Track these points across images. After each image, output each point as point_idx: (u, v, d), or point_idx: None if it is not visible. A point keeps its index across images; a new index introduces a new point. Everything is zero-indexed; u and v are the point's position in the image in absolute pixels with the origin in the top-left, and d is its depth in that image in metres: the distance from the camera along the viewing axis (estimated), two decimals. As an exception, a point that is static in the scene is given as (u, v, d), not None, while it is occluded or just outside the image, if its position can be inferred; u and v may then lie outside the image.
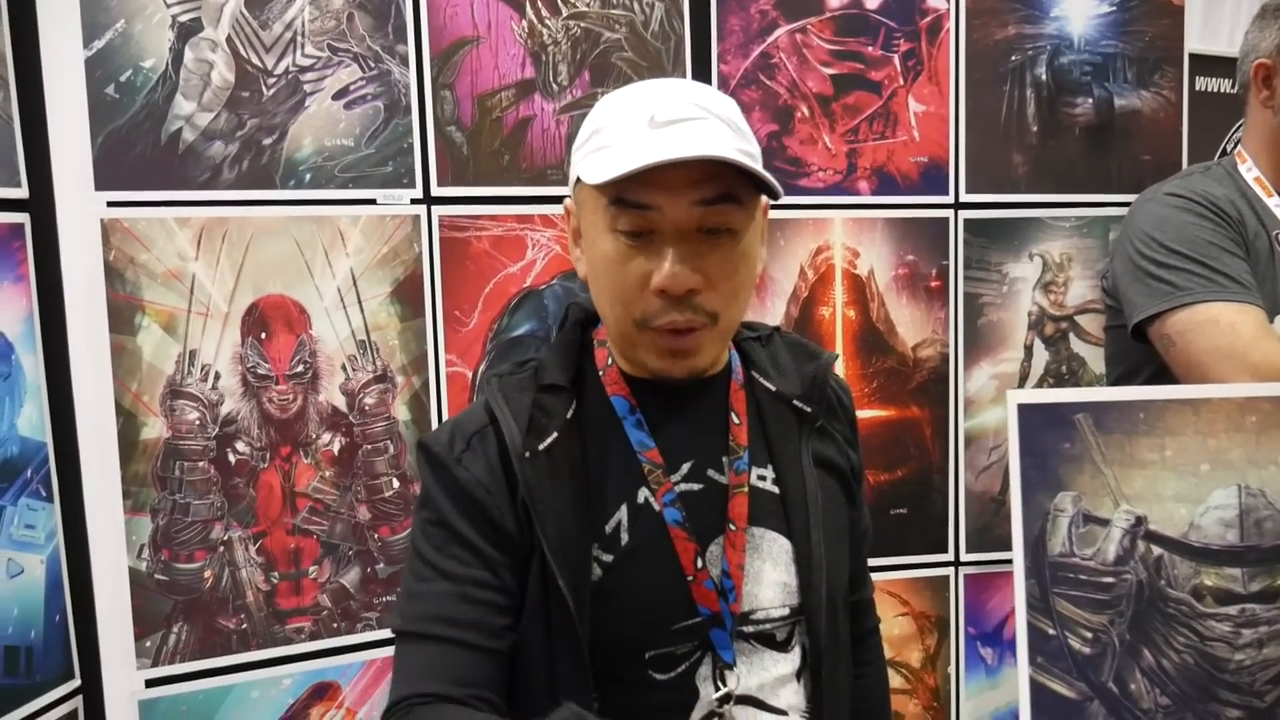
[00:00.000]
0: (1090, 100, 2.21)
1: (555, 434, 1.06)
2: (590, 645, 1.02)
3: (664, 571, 1.06)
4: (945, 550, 2.21)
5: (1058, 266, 2.22)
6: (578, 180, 1.06)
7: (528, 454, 1.04)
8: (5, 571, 1.56)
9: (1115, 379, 1.89)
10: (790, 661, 1.12)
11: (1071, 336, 2.24)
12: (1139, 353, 1.72)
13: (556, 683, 1.03)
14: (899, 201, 2.15)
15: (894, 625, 2.22)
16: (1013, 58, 2.18)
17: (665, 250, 0.99)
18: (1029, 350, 2.23)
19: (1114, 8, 2.20)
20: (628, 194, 0.99)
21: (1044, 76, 2.19)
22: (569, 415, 1.08)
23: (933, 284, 2.18)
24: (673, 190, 0.98)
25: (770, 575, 1.10)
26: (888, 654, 2.21)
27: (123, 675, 1.70)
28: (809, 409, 1.16)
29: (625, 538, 1.06)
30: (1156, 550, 1.23)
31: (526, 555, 1.04)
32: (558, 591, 1.01)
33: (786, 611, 1.11)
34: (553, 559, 1.01)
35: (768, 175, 0.99)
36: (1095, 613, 1.22)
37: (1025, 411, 1.24)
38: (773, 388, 1.17)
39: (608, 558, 1.05)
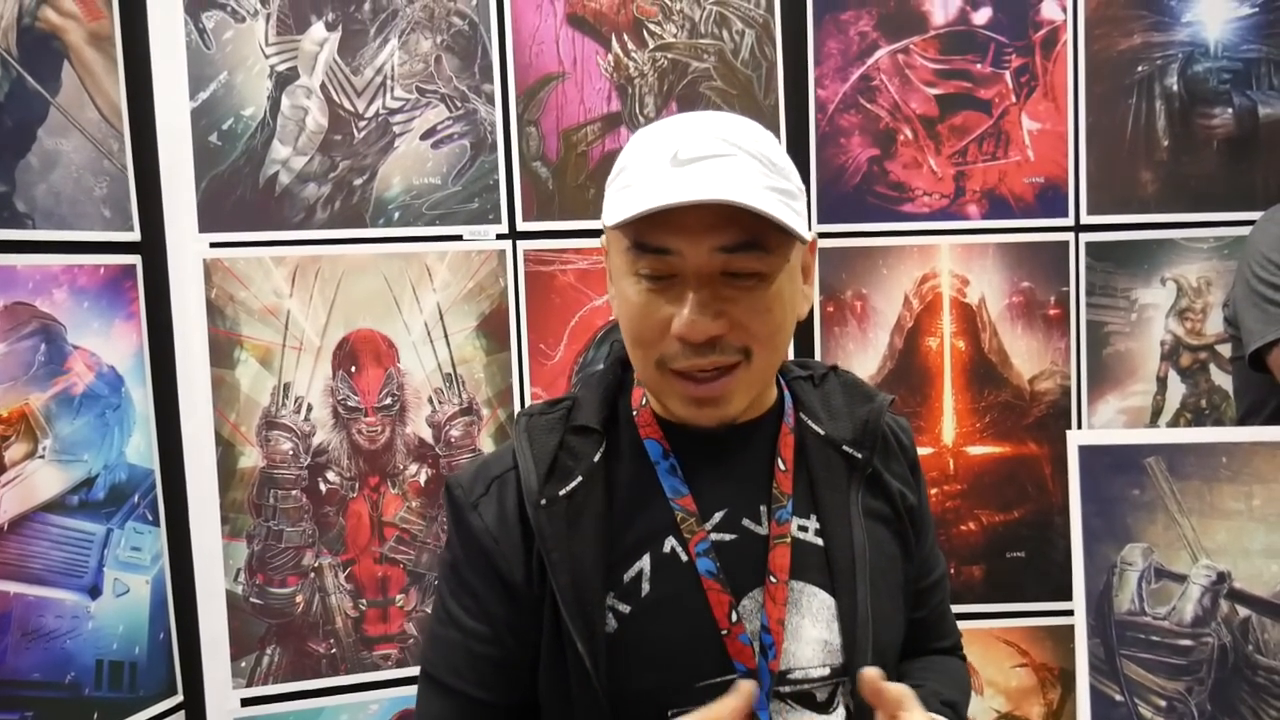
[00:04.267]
0: (1230, 110, 2.03)
1: (580, 478, 1.01)
2: (608, 699, 0.98)
3: (691, 625, 1.00)
4: (1070, 598, 2.05)
5: (1195, 291, 2.04)
6: None
7: (544, 501, 1.00)
8: (112, 591, 1.67)
9: (1243, 414, 1.72)
10: None
11: (1212, 367, 2.05)
12: (1262, 385, 1.55)
13: None
14: (1012, 225, 2.03)
15: (1011, 677, 2.08)
16: (1139, 68, 2.02)
17: (685, 295, 0.93)
18: (1162, 382, 2.05)
19: (1256, 9, 2.01)
20: (646, 237, 0.93)
21: (1175, 87, 2.03)
22: (596, 459, 1.03)
23: (1051, 312, 2.04)
24: (692, 234, 0.92)
25: (810, 632, 1.02)
26: (1003, 707, 2.08)
27: (221, 693, 1.78)
28: (860, 455, 1.08)
29: (646, 588, 1.01)
30: (1243, 611, 1.10)
31: (536, 607, 1.00)
32: (573, 642, 0.98)
33: (827, 671, 1.03)
34: (565, 609, 0.97)
35: (791, 220, 0.92)
36: (1170, 679, 1.10)
37: (1088, 454, 1.14)
38: (821, 431, 1.08)
39: (625, 608, 1.00)
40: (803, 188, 0.99)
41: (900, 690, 0.92)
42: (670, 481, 1.03)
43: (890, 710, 0.91)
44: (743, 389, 0.99)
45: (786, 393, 1.11)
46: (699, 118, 1.00)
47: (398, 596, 1.85)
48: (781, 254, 0.96)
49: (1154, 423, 2.05)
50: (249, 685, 1.79)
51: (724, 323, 0.94)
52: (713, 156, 0.93)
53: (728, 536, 1.02)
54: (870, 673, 0.90)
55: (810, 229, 1.01)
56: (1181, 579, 1.10)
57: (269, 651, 1.80)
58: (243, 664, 1.79)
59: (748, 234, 0.92)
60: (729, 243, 0.92)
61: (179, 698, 1.78)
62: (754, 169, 0.94)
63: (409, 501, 1.86)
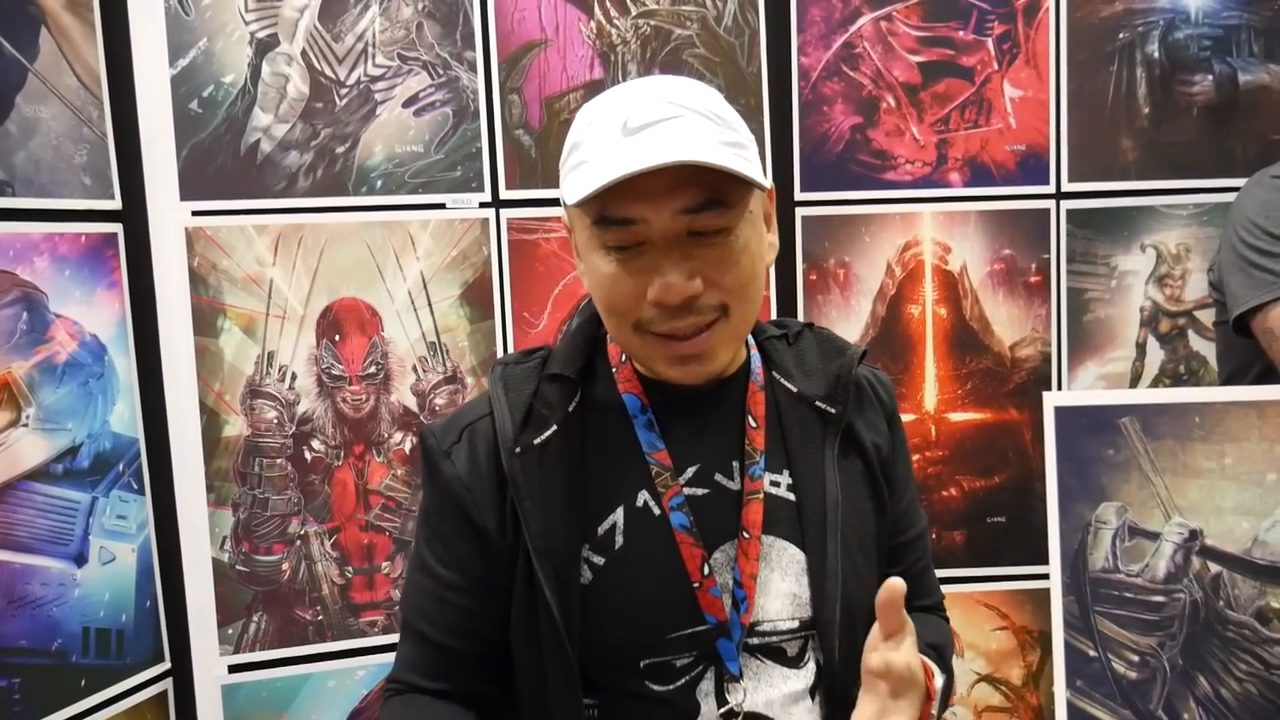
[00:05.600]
0: (1210, 77, 2.04)
1: (554, 427, 1.03)
2: (582, 650, 1.01)
3: (663, 577, 1.02)
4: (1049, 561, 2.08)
5: (1174, 258, 2.06)
6: None
7: (518, 449, 1.02)
8: (98, 559, 1.67)
9: (1225, 378, 1.74)
10: (803, 678, 1.06)
11: (1190, 333, 2.07)
12: (1246, 349, 1.58)
13: (549, 688, 1.02)
14: (994, 193, 2.05)
15: (991, 640, 2.11)
16: (1120, 35, 2.03)
17: (657, 261, 0.95)
18: (1142, 348, 2.08)
19: (1237, -24, 2.02)
20: (609, 210, 0.95)
21: (1156, 54, 2.03)
22: (570, 409, 1.05)
23: (1032, 279, 2.06)
24: (654, 199, 0.93)
25: (778, 586, 1.04)
26: (984, 669, 2.11)
27: (208, 660, 1.80)
28: (833, 410, 1.10)
29: (619, 540, 1.03)
30: (1214, 567, 1.12)
31: (509, 556, 1.03)
32: (544, 592, 1.00)
33: (795, 624, 1.05)
34: (536, 558, 1.00)
35: (747, 169, 0.95)
36: (1143, 634, 1.12)
37: (1063, 414, 1.16)
38: (794, 389, 1.10)
39: (599, 560, 1.03)
40: (752, 138, 1.01)
41: (909, 622, 0.96)
42: (647, 436, 1.05)
43: (891, 628, 0.95)
44: (724, 343, 1.01)
45: (754, 351, 1.13)
46: (644, 84, 1.01)
47: (383, 564, 1.87)
48: (741, 206, 0.98)
49: (1134, 387, 2.07)
50: (236, 652, 1.80)
51: (698, 282, 0.96)
52: (661, 120, 0.94)
53: (700, 491, 1.05)
54: (895, 583, 0.94)
55: (766, 176, 1.02)
56: (1154, 537, 1.12)
57: (256, 619, 1.81)
58: (230, 631, 1.80)
59: (707, 192, 0.94)
60: (690, 204, 0.94)
61: (166, 665, 1.79)
62: (703, 126, 0.95)
63: (394, 469, 1.87)
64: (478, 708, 1.05)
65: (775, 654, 1.05)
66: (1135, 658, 1.13)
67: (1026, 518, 2.07)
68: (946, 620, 1.23)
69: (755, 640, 1.04)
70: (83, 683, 1.64)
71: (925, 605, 1.21)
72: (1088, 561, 1.14)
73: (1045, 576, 2.04)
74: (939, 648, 1.10)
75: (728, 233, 0.97)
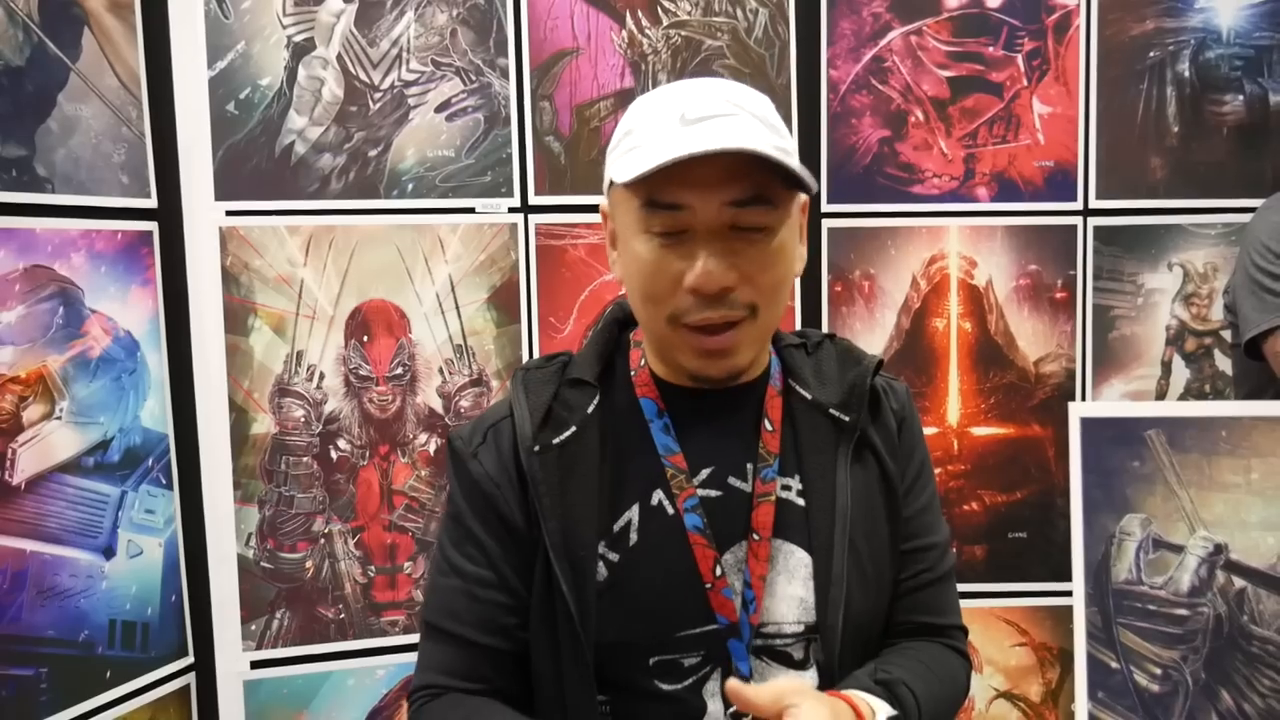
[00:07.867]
0: (1241, 97, 2.04)
1: (573, 428, 1.05)
2: (597, 646, 1.02)
3: (675, 576, 1.04)
4: (1070, 578, 2.06)
5: (1201, 277, 2.05)
6: (611, 183, 1.04)
7: (537, 448, 1.04)
8: (125, 552, 1.70)
9: (1242, 400, 1.73)
10: (808, 682, 1.06)
11: (1216, 353, 2.06)
12: (1260, 372, 1.57)
13: (564, 685, 1.03)
14: (1021, 208, 2.05)
15: (1011, 656, 2.10)
16: (1151, 54, 2.03)
17: (698, 249, 0.97)
18: (1167, 367, 2.07)
19: (1269, -4, 2.02)
20: (659, 194, 0.97)
21: (1187, 73, 2.03)
22: (590, 410, 1.07)
23: (1058, 295, 2.06)
24: (703, 188, 0.96)
25: (785, 589, 1.05)
26: (1002, 685, 2.10)
27: (231, 656, 1.81)
28: (847, 418, 1.10)
29: (634, 538, 1.05)
30: (1239, 582, 1.12)
31: (534, 551, 1.04)
32: (560, 588, 1.01)
33: (801, 628, 1.06)
34: (553, 553, 1.01)
35: (800, 170, 0.96)
36: (1166, 647, 1.12)
37: (1089, 426, 1.16)
38: (809, 396, 1.11)
39: (614, 557, 1.04)
40: (795, 148, 1.02)
41: (773, 691, 0.91)
42: (663, 439, 1.07)
43: (767, 715, 0.90)
44: (749, 342, 1.03)
45: (774, 358, 1.14)
46: (701, 82, 1.04)
47: (406, 564, 1.88)
48: (784, 209, 1.00)
49: (1158, 407, 2.07)
50: (259, 648, 1.82)
51: (735, 275, 0.98)
52: (719, 115, 0.97)
53: (714, 493, 1.06)
54: (732, 684, 0.91)
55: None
56: (1179, 550, 1.12)
57: (279, 615, 1.83)
58: (253, 627, 1.82)
59: (755, 188, 0.96)
60: (738, 197, 0.96)
61: (190, 659, 1.81)
62: (757, 128, 0.98)
63: (418, 470, 1.88)
64: (515, 706, 1.05)
65: (781, 657, 1.05)
66: (1158, 670, 1.12)
67: (1048, 534, 2.07)
68: (954, 648, 1.15)
69: (759, 642, 1.04)
70: (108, 674, 1.66)
71: (928, 624, 1.14)
72: (1111, 573, 1.14)
73: (1066, 594, 2.03)
74: (890, 684, 1.02)
75: (769, 233, 0.99)
